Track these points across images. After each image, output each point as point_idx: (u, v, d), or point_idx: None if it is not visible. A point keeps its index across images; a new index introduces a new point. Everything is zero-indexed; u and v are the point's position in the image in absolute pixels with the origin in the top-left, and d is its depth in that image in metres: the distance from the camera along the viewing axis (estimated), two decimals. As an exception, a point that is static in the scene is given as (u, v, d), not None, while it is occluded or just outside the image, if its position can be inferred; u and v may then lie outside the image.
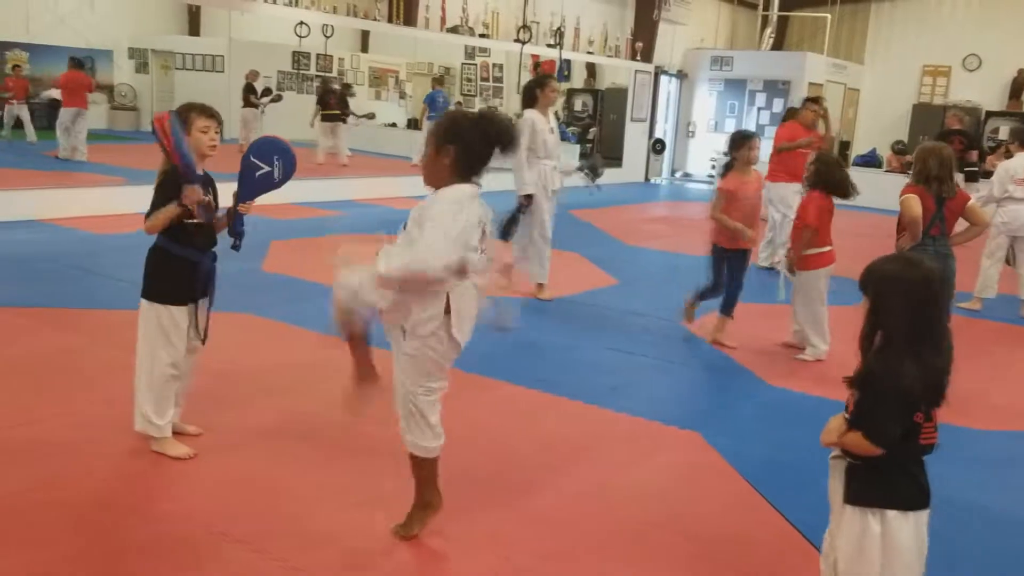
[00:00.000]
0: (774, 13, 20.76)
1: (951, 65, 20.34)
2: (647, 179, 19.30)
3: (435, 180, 3.04)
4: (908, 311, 2.38)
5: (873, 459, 2.42)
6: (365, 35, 22.17)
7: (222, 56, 19.42)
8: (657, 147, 19.64)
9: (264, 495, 3.58)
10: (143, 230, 3.72)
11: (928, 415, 2.43)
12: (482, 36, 16.47)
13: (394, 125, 20.14)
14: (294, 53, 19.74)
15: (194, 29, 21.05)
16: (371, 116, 18.01)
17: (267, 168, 3.76)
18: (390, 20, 14.62)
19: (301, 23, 15.07)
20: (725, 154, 6.24)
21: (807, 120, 8.94)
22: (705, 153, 19.77)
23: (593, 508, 3.66)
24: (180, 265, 3.72)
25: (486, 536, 3.36)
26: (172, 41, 20.48)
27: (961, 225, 5.51)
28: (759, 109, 19.30)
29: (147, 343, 3.79)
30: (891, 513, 2.43)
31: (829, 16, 20.37)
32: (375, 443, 4.01)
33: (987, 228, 5.75)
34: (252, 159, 3.77)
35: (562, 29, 16.64)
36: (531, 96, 6.98)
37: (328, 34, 16.47)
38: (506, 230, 7.02)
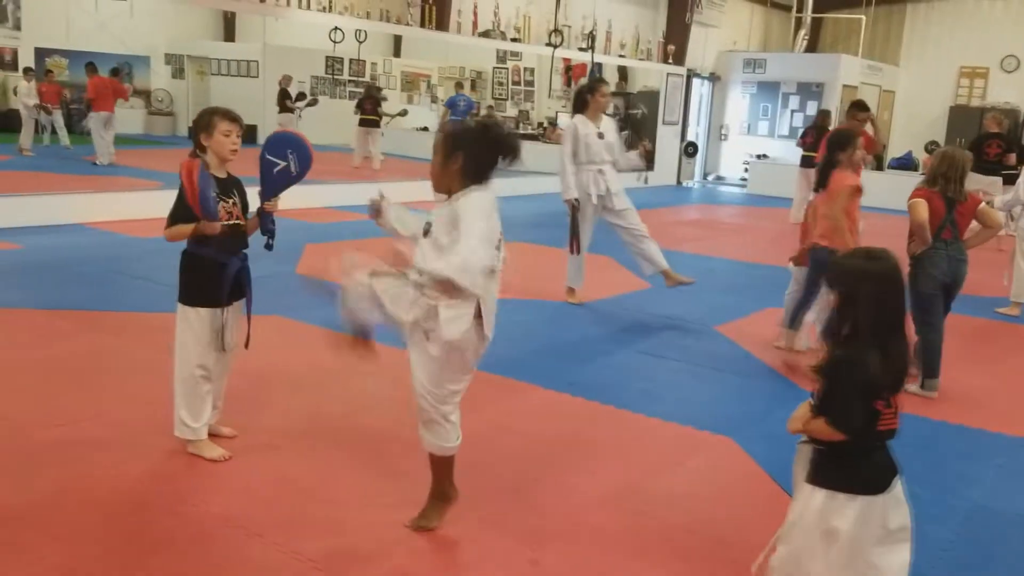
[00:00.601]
0: (808, 15, 20.61)
1: (989, 66, 20.08)
2: (679, 182, 19.24)
3: (444, 186, 3.14)
4: (872, 303, 2.47)
5: (837, 444, 2.51)
6: (398, 40, 22.31)
7: (257, 61, 19.63)
8: (689, 150, 19.57)
9: (297, 496, 3.60)
10: (164, 236, 3.79)
11: (888, 402, 2.51)
12: (514, 40, 16.51)
13: (426, 129, 20.24)
14: (327, 58, 19.92)
15: (229, 35, 21.29)
16: (404, 113, 18.13)
17: (283, 163, 3.77)
18: (422, 25, 14.70)
19: (335, 28, 15.20)
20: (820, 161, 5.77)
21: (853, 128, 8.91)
22: (738, 156, 19.67)
23: (623, 512, 3.65)
24: (208, 267, 3.76)
25: (514, 539, 3.36)
26: (208, 47, 20.73)
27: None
28: (792, 112, 19.18)
29: (179, 345, 3.85)
30: (841, 495, 2.51)
31: (864, 17, 20.19)
32: (406, 446, 4.03)
33: (999, 230, 5.69)
34: (267, 156, 3.79)
35: (594, 32, 16.63)
36: (582, 101, 7.00)
37: (361, 39, 16.62)
38: (573, 242, 7.02)
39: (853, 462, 2.53)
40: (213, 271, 3.76)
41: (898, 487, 2.57)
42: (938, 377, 5.37)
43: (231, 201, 3.80)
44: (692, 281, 7.12)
